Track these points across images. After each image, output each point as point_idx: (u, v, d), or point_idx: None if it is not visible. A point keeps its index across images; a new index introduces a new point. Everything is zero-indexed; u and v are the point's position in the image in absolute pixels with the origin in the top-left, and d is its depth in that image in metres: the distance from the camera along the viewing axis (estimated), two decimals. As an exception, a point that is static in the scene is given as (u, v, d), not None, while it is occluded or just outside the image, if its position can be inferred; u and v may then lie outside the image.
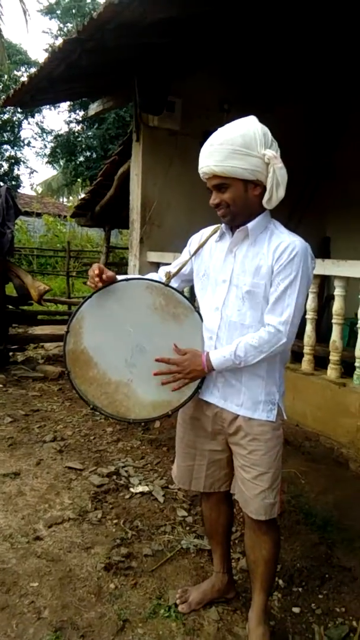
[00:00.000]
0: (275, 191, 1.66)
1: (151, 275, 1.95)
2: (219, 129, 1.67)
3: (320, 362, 3.79)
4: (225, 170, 1.63)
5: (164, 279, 1.91)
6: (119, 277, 1.79)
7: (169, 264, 2.03)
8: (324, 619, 2.11)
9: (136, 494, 2.99)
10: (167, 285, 1.84)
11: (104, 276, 1.73)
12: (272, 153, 1.63)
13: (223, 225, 1.81)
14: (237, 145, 1.61)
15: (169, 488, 3.05)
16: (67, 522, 2.65)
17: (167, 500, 2.94)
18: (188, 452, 1.97)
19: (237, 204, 1.69)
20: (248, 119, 1.68)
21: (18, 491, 2.93)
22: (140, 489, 3.05)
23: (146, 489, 3.05)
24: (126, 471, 3.27)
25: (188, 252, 1.95)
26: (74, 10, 17.30)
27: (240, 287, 1.72)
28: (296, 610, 2.16)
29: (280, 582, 2.31)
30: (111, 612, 2.06)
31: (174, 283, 1.91)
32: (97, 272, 1.72)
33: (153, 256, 5.30)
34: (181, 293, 1.86)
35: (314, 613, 2.14)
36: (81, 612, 2.04)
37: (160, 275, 1.96)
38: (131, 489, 3.04)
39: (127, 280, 1.80)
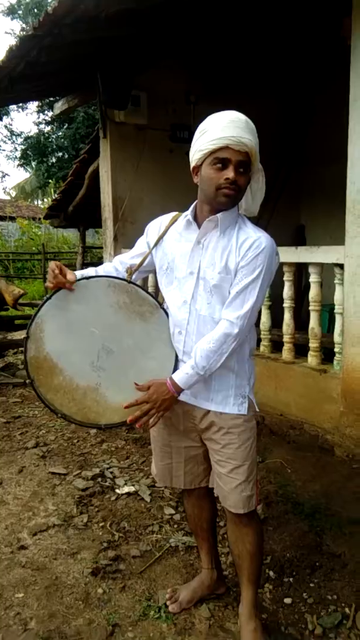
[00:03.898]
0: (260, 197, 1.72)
1: (106, 267, 1.89)
2: (235, 112, 1.60)
3: (302, 350, 3.78)
4: (256, 153, 1.59)
5: (120, 269, 1.85)
6: (77, 275, 1.72)
7: None
8: (317, 608, 2.09)
9: (122, 495, 2.94)
10: (129, 281, 1.79)
11: (65, 274, 1.66)
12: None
13: (189, 214, 1.75)
14: (256, 134, 1.60)
15: (155, 487, 3.01)
16: (52, 529, 2.59)
17: (154, 499, 2.90)
18: (164, 450, 1.94)
19: (243, 190, 1.64)
20: None
21: (0, 500, 2.86)
22: (126, 489, 3.00)
23: (132, 489, 3.00)
24: (111, 472, 3.22)
25: (146, 243, 1.87)
26: (35, 10, 17.03)
27: (208, 281, 1.68)
28: (288, 601, 2.14)
29: (271, 573, 2.29)
30: (100, 617, 2.01)
31: (132, 276, 1.85)
32: (57, 270, 1.65)
33: (128, 253, 5.24)
34: (145, 289, 1.80)
35: (306, 602, 2.13)
36: (69, 620, 2.00)
37: (115, 265, 1.89)
38: (117, 490, 2.99)
39: (86, 279, 1.73)
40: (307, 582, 2.24)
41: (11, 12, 17.78)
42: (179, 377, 1.68)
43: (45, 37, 3.66)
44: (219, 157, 1.57)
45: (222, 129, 1.54)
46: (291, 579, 2.26)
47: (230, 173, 1.57)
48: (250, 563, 1.87)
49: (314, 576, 2.27)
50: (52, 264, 1.67)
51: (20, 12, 17.71)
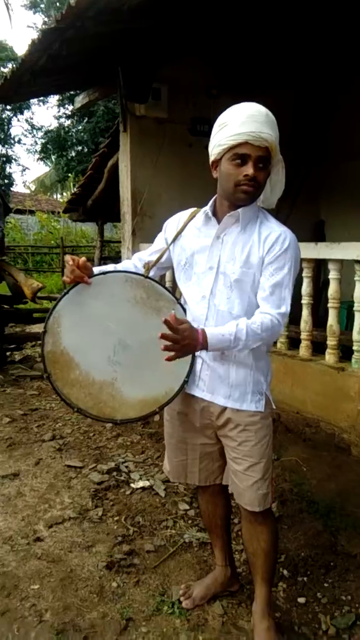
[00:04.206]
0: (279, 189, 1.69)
1: (125, 264, 1.88)
2: (255, 104, 1.56)
3: (319, 347, 3.74)
4: (276, 147, 1.56)
5: (139, 266, 1.84)
6: (95, 270, 1.72)
7: None
8: (330, 608, 2.08)
9: (137, 489, 2.96)
10: (146, 277, 1.78)
11: (82, 266, 1.65)
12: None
13: (208, 209, 1.74)
14: (277, 127, 1.56)
15: (169, 482, 3.00)
16: (67, 522, 2.61)
17: (169, 494, 2.90)
18: (179, 447, 1.93)
19: (262, 186, 1.62)
20: None
21: (17, 492, 2.89)
22: (141, 484, 3.01)
23: (147, 483, 3.01)
24: (126, 467, 3.23)
25: (164, 239, 1.87)
26: (57, 3, 17.06)
27: (229, 276, 1.67)
28: (302, 600, 2.12)
29: (285, 572, 2.28)
30: (114, 611, 2.02)
31: (150, 272, 1.84)
32: (74, 264, 1.63)
33: (146, 248, 5.23)
34: (162, 284, 1.80)
35: (320, 602, 2.11)
36: (83, 613, 2.01)
37: (134, 262, 1.88)
38: (132, 485, 3.00)
39: (103, 273, 1.73)
40: (321, 581, 2.23)
41: (33, 5, 17.88)
42: (212, 333, 1.56)
43: (68, 29, 3.65)
44: (238, 153, 1.54)
45: (241, 124, 1.52)
46: (305, 579, 2.24)
47: (249, 169, 1.54)
48: (264, 561, 1.86)
49: (328, 576, 2.26)
50: (67, 257, 1.66)
51: (42, 5, 17.79)
